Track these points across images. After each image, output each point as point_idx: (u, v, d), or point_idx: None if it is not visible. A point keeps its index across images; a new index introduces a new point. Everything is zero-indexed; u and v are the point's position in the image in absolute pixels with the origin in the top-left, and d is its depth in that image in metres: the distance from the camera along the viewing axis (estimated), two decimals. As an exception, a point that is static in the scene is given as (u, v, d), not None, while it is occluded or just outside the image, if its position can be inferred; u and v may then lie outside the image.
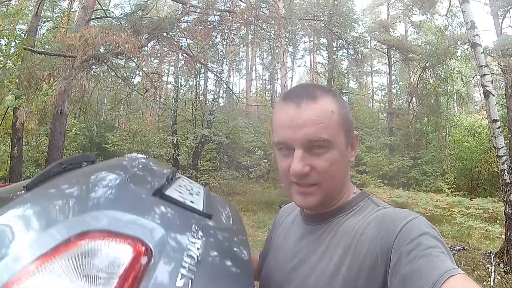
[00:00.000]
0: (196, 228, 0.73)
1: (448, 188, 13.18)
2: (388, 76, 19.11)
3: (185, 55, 9.95)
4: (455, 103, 18.65)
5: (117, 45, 6.80)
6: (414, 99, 17.41)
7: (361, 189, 0.99)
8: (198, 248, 0.66)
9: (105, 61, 7.05)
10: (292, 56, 23.01)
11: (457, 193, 12.86)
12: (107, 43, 6.98)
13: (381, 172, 14.18)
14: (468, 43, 7.87)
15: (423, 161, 14.96)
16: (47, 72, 7.21)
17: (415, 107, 17.36)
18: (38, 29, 12.85)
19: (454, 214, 9.54)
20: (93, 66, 7.04)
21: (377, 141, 15.74)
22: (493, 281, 5.17)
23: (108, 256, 0.55)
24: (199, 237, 0.70)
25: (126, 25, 8.41)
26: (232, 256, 0.81)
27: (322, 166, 0.85)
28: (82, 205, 0.63)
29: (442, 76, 16.06)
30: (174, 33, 8.57)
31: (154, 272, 0.55)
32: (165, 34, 8.15)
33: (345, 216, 0.90)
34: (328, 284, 0.82)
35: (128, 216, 0.62)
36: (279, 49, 16.73)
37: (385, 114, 19.10)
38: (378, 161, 14.34)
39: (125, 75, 9.59)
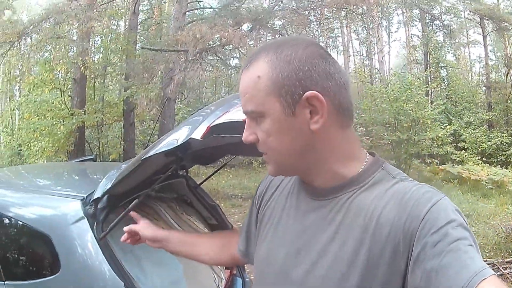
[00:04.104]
0: None
1: (548, 170, 12.33)
2: (484, 47, 17.89)
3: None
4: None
5: (225, 39, 7.42)
6: (511, 71, 16.17)
7: (372, 154, 0.87)
8: None
9: (215, 52, 7.74)
10: (387, 30, 22.29)
11: (556, 175, 12.02)
12: (216, 37, 7.62)
13: (479, 149, 13.65)
14: None
15: (522, 139, 14.02)
16: (162, 65, 8.08)
17: (513, 81, 16.18)
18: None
19: (548, 196, 9.11)
20: (207, 58, 7.78)
21: (475, 116, 15.04)
22: None
23: None
24: None
25: (225, 16, 8.98)
26: None
27: (261, 136, 0.81)
28: None
29: (539, 47, 14.78)
30: (272, 21, 9.02)
31: None
32: (263, 23, 8.61)
33: (357, 190, 0.80)
34: (346, 271, 0.75)
35: None
36: (373, 24, 16.44)
37: (483, 88, 18.00)
38: (477, 137, 13.80)
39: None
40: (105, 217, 1.67)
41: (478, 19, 17.61)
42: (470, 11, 17.47)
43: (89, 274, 1.56)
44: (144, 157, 1.37)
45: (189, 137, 1.19)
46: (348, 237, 0.76)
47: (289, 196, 0.93)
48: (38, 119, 10.42)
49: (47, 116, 10.31)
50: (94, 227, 1.61)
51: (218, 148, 1.80)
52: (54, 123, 9.93)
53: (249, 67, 0.78)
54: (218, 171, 2.83)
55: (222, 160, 2.82)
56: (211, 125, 1.16)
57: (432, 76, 16.43)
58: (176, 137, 1.26)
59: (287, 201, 0.93)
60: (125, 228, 1.23)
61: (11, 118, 15.60)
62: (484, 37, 17.53)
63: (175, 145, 1.24)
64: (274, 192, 0.99)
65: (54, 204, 1.78)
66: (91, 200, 1.66)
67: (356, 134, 0.87)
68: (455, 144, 13.41)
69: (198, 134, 1.16)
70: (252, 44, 8.63)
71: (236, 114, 1.15)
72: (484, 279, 0.59)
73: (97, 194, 1.63)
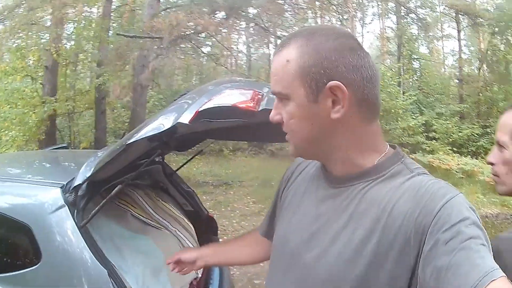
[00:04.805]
0: None
1: (517, 160, 12.82)
2: (458, 41, 18.30)
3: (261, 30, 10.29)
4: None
5: (201, 27, 7.36)
6: (484, 65, 16.52)
7: (393, 147, 0.88)
8: None
9: (190, 40, 7.67)
10: (361, 21, 22.42)
11: (526, 165, 12.54)
12: (192, 25, 7.53)
13: (450, 140, 13.95)
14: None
15: (492, 130, 14.43)
16: (136, 52, 7.93)
17: (485, 74, 16.55)
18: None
19: (517, 185, 9.55)
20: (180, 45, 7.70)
21: (447, 107, 15.38)
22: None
23: None
24: None
25: (200, 3, 8.86)
26: None
27: (284, 118, 0.83)
28: None
29: (512, 42, 15.24)
30: (247, 10, 9.00)
31: None
32: (239, 11, 8.56)
33: (374, 181, 0.81)
34: (352, 258, 0.76)
35: None
36: (348, 15, 16.60)
37: (456, 81, 18.42)
38: (448, 128, 14.07)
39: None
40: (85, 205, 1.64)
41: (454, 14, 17.92)
42: (446, 6, 17.76)
43: (72, 263, 1.53)
44: (128, 142, 1.35)
45: (177, 121, 1.19)
46: (358, 226, 0.77)
47: (310, 182, 0.96)
48: (10, 107, 10.05)
49: (19, 105, 9.98)
50: (75, 215, 1.58)
51: (202, 134, 1.80)
52: (26, 111, 9.63)
53: (281, 51, 0.80)
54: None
55: (195, 147, 2.82)
56: (200, 109, 1.17)
57: (404, 68, 16.72)
58: (162, 122, 1.24)
59: (308, 187, 0.95)
60: (168, 260, 1.31)
61: (-19, 106, 14.94)
62: (459, 31, 17.85)
63: (162, 130, 1.23)
64: (298, 176, 1.02)
65: (33, 193, 1.74)
66: (71, 187, 1.63)
67: (380, 127, 0.87)
68: (426, 134, 13.67)
69: (186, 119, 1.16)
70: (226, 32, 8.59)
71: (222, 99, 1.18)
72: (494, 280, 0.59)
73: (77, 181, 1.59)
